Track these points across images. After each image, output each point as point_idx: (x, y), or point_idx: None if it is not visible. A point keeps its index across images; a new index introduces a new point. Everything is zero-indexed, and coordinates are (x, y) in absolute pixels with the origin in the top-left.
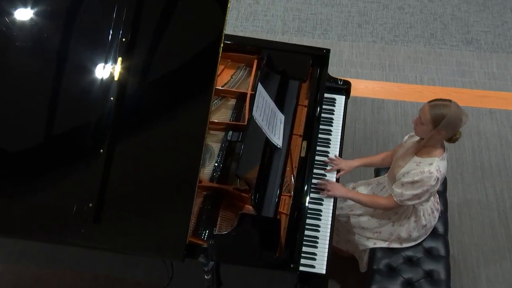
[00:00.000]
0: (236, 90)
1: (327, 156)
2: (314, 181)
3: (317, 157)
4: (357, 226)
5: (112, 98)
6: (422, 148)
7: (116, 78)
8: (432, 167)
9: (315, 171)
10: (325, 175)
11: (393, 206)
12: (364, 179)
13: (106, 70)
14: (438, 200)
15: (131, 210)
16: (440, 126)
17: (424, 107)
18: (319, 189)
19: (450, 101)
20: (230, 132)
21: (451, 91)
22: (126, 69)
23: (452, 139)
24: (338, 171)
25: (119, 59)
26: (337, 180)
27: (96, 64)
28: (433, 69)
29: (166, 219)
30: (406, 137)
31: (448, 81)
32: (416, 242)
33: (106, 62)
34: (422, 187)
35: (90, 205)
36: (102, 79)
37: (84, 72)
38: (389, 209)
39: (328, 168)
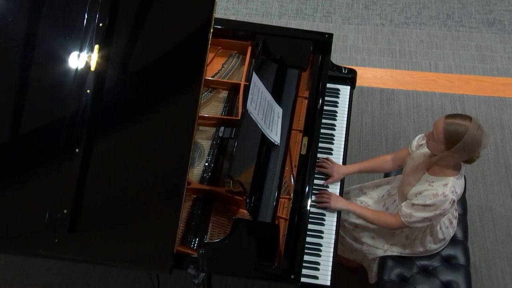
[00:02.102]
0: (228, 80)
1: (330, 153)
2: (316, 182)
3: (319, 155)
4: (365, 236)
5: (88, 91)
6: (433, 165)
7: (92, 68)
8: (447, 188)
9: (317, 170)
10: (325, 175)
11: (398, 226)
12: (372, 180)
13: (81, 59)
14: (456, 206)
15: (111, 217)
16: (454, 149)
17: (439, 122)
18: (316, 202)
19: (470, 119)
20: (222, 128)
21: (470, 79)
22: (104, 58)
23: (468, 161)
24: (328, 176)
25: (96, 46)
26: (327, 186)
27: (69, 53)
28: (449, 55)
29: (151, 227)
30: (414, 142)
31: (467, 68)
32: (433, 253)
33: (81, 50)
34: (434, 211)
35: (65, 211)
36: (76, 69)
37: (56, 61)
38: (393, 228)
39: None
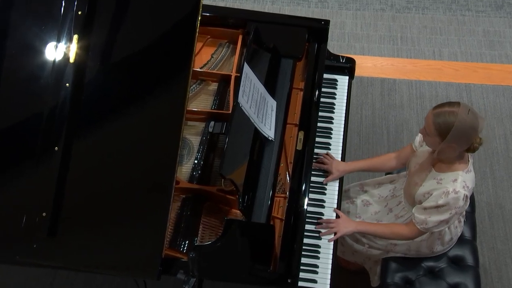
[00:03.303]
0: (218, 72)
1: (328, 148)
2: (313, 179)
3: (316, 150)
4: (367, 236)
5: (67, 85)
6: (439, 162)
7: (71, 60)
8: (458, 184)
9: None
10: (326, 173)
11: (416, 235)
12: (373, 177)
13: (59, 51)
14: None
15: (94, 220)
16: (448, 139)
17: (428, 115)
18: (319, 232)
19: (458, 104)
20: (212, 123)
21: (477, 67)
22: (83, 49)
23: (470, 149)
24: (326, 173)
25: (75, 36)
26: (326, 184)
27: (46, 43)
28: (454, 41)
29: (137, 229)
30: (418, 139)
31: (474, 55)
32: (439, 254)
33: (58, 41)
34: (449, 211)
35: (44, 214)
36: (54, 61)
37: (31, 52)
38: (411, 239)
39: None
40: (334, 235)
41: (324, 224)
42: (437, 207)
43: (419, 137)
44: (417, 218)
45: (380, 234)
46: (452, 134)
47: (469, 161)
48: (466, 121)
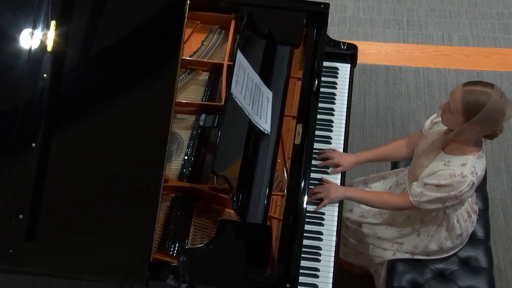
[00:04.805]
0: (209, 60)
1: (329, 142)
2: (313, 175)
3: (316, 145)
4: (371, 235)
5: (45, 75)
6: (450, 143)
7: (49, 48)
8: (466, 168)
9: (314, 162)
10: (327, 170)
11: (406, 206)
12: (378, 172)
13: (35, 38)
14: (476, 199)
15: (76, 222)
16: (474, 120)
17: (456, 91)
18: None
19: (492, 86)
20: (203, 116)
21: (491, 53)
22: (62, 37)
23: (490, 135)
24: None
25: (53, 22)
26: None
27: (20, 30)
28: (465, 25)
29: (123, 232)
30: (428, 122)
31: (487, 40)
32: (449, 254)
33: (34, 27)
34: (449, 192)
35: (21, 216)
36: (30, 50)
37: (4, 40)
38: (400, 209)
39: (318, 163)
40: (321, 202)
41: (313, 194)
42: (438, 186)
43: (429, 120)
44: (414, 190)
45: (368, 199)
46: (480, 116)
47: (481, 147)
48: (498, 104)
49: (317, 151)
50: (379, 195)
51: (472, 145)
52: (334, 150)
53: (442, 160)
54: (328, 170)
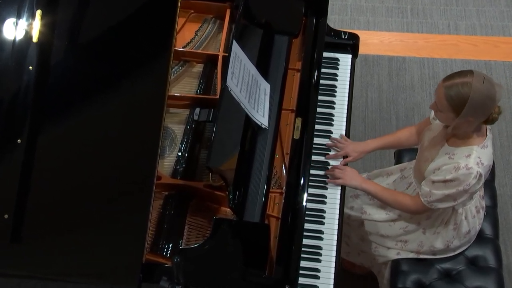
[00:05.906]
0: (203, 51)
1: (329, 137)
2: (313, 172)
3: (316, 140)
4: (374, 232)
5: (30, 68)
6: (452, 136)
7: (34, 39)
8: (471, 160)
9: (314, 158)
10: (328, 165)
11: (419, 209)
12: (381, 167)
13: (20, 28)
14: (483, 194)
15: (65, 222)
16: (464, 112)
17: (438, 89)
18: (327, 176)
19: (471, 73)
20: (197, 110)
21: (499, 42)
22: (48, 27)
23: (488, 121)
24: (345, 157)
25: (38, 12)
26: (346, 164)
27: (3, 20)
28: (472, 12)
29: (114, 231)
30: (433, 113)
31: (495, 28)
32: (456, 253)
33: (18, 17)
34: (457, 187)
35: (6, 216)
36: (14, 41)
37: None
38: (415, 213)
39: (330, 153)
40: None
41: (333, 168)
42: (445, 181)
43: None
44: (423, 190)
45: (384, 197)
46: (468, 108)
47: (486, 135)
48: (482, 91)
49: (318, 146)
50: (395, 194)
51: (475, 135)
52: (346, 140)
53: (447, 153)
54: (340, 162)
